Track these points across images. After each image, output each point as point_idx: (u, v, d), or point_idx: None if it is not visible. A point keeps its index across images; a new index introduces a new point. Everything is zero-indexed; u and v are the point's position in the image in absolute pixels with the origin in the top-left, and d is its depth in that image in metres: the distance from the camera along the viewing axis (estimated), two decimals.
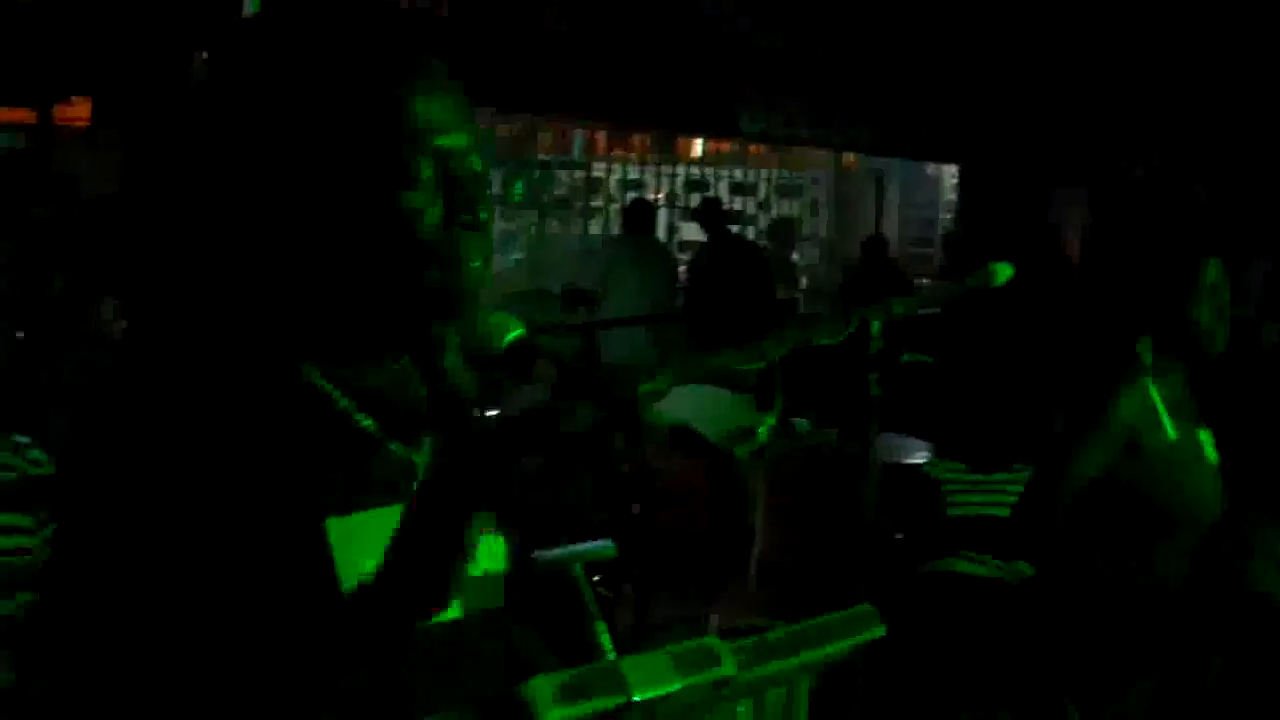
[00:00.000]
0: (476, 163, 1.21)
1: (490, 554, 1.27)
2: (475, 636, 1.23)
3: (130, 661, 1.06)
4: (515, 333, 1.31)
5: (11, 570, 2.55)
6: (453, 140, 1.20)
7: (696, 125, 10.25)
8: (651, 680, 0.95)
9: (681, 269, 8.88)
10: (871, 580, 2.42)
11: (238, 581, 1.09)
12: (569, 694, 0.90)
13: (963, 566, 3.80)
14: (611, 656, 1.76)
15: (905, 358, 5.45)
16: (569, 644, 1.64)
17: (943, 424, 4.29)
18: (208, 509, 1.10)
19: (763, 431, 5.27)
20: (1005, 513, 3.21)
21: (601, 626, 1.87)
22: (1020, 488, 3.03)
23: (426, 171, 1.19)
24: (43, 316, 3.64)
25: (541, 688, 0.91)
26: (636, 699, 0.93)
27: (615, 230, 10.17)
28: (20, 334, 2.70)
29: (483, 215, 1.22)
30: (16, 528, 2.63)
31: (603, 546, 1.95)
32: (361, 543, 1.15)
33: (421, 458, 1.24)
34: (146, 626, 1.06)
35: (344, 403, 1.21)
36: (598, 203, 11.84)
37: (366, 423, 1.22)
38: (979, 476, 4.00)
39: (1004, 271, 2.50)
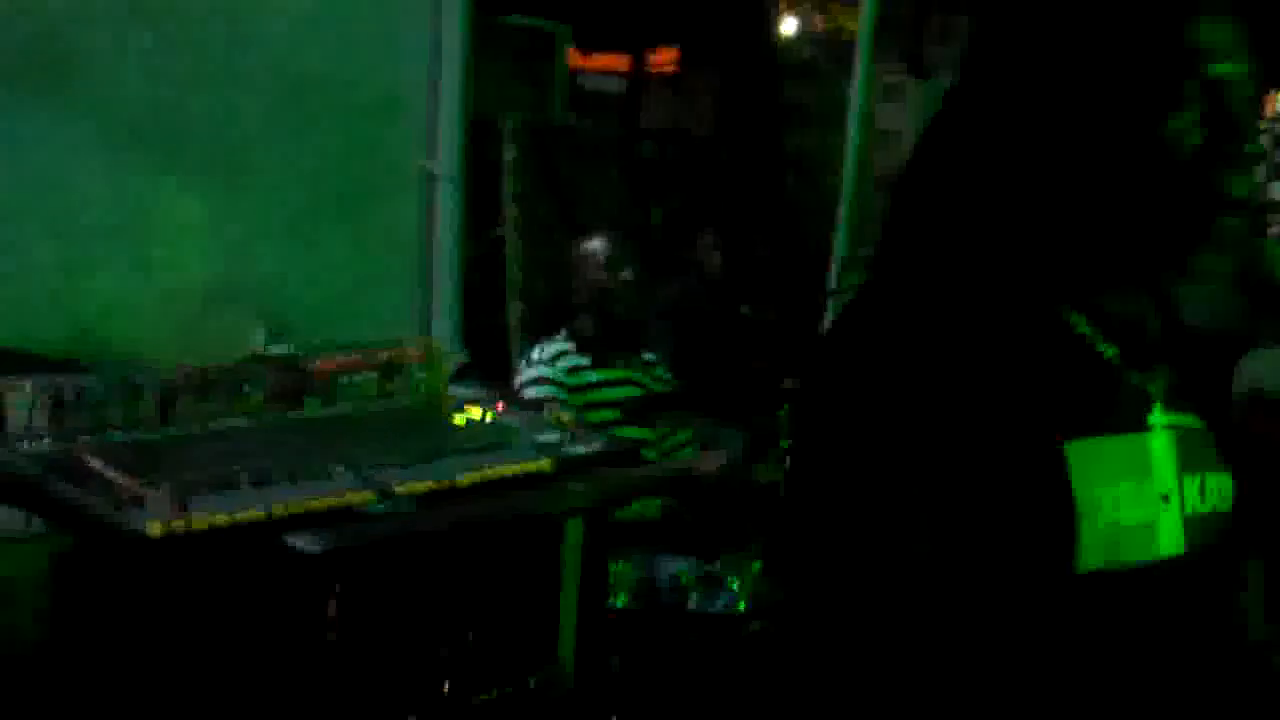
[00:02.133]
0: (1249, 91, 1.17)
1: (1218, 492, 1.24)
2: (1200, 576, 1.21)
3: (864, 582, 1.12)
4: None
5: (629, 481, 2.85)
6: (1228, 68, 1.16)
7: None
8: None
9: None
10: None
11: (974, 501, 1.12)
12: None
13: None
14: None
15: None
16: None
17: None
18: (948, 425, 1.13)
19: None
20: None
21: None
22: None
23: (1194, 96, 1.16)
24: (646, 247, 4.00)
25: None
26: None
27: None
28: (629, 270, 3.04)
29: (1249, 149, 1.17)
30: (640, 441, 2.95)
31: None
32: (1098, 470, 1.15)
33: (1156, 388, 1.23)
34: (882, 547, 1.12)
35: (1085, 329, 1.21)
36: None
37: (1108, 351, 1.21)
38: None
39: None
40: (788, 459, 1.36)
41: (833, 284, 5.14)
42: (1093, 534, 1.15)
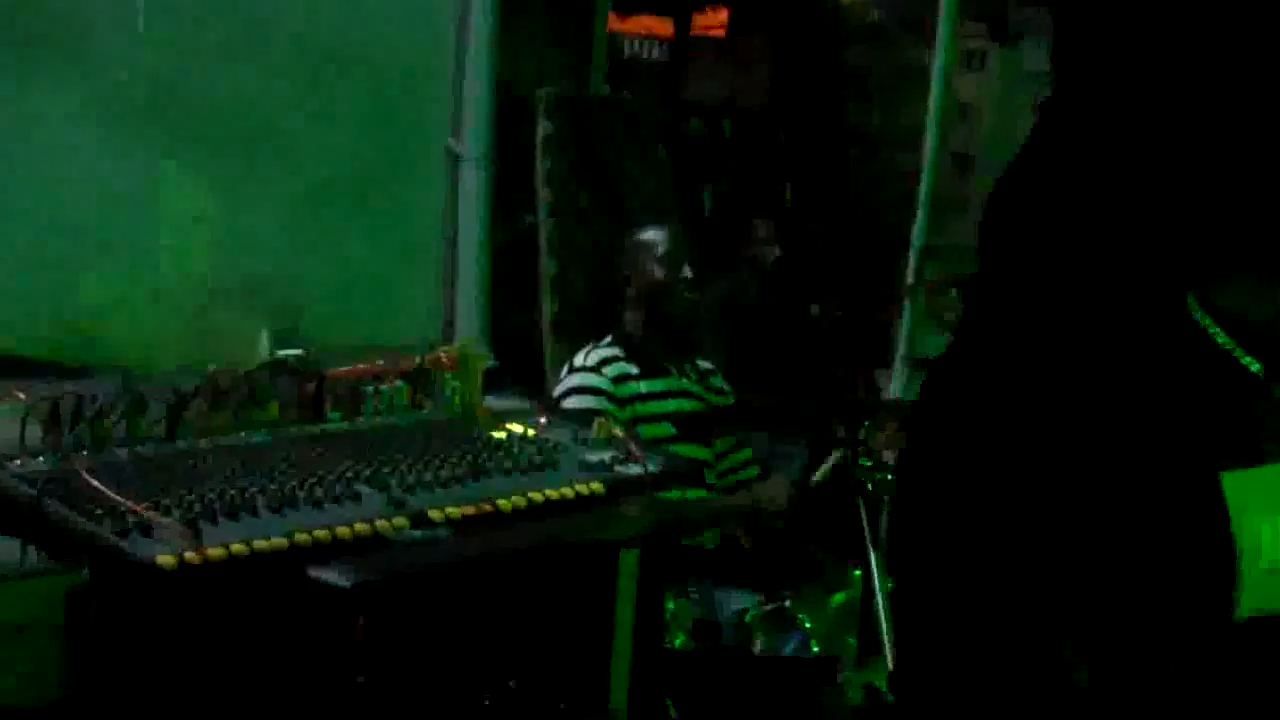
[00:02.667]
0: None
1: None
2: None
3: (986, 599, 1.13)
4: None
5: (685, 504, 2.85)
6: None
7: None
8: None
9: None
10: None
11: (1122, 535, 1.12)
12: None
13: None
14: None
15: None
16: None
17: None
18: (1089, 453, 1.13)
19: None
20: None
21: None
22: None
23: None
24: (695, 236, 4.00)
25: None
26: None
27: None
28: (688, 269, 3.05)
29: None
30: (699, 461, 2.94)
31: None
32: (1258, 500, 1.13)
33: None
34: (1008, 580, 1.12)
35: (1224, 340, 1.20)
36: None
37: (1253, 365, 1.20)
38: None
39: None
40: (899, 496, 1.38)
41: (910, 278, 5.12)
42: (1254, 573, 1.14)
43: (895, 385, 5.34)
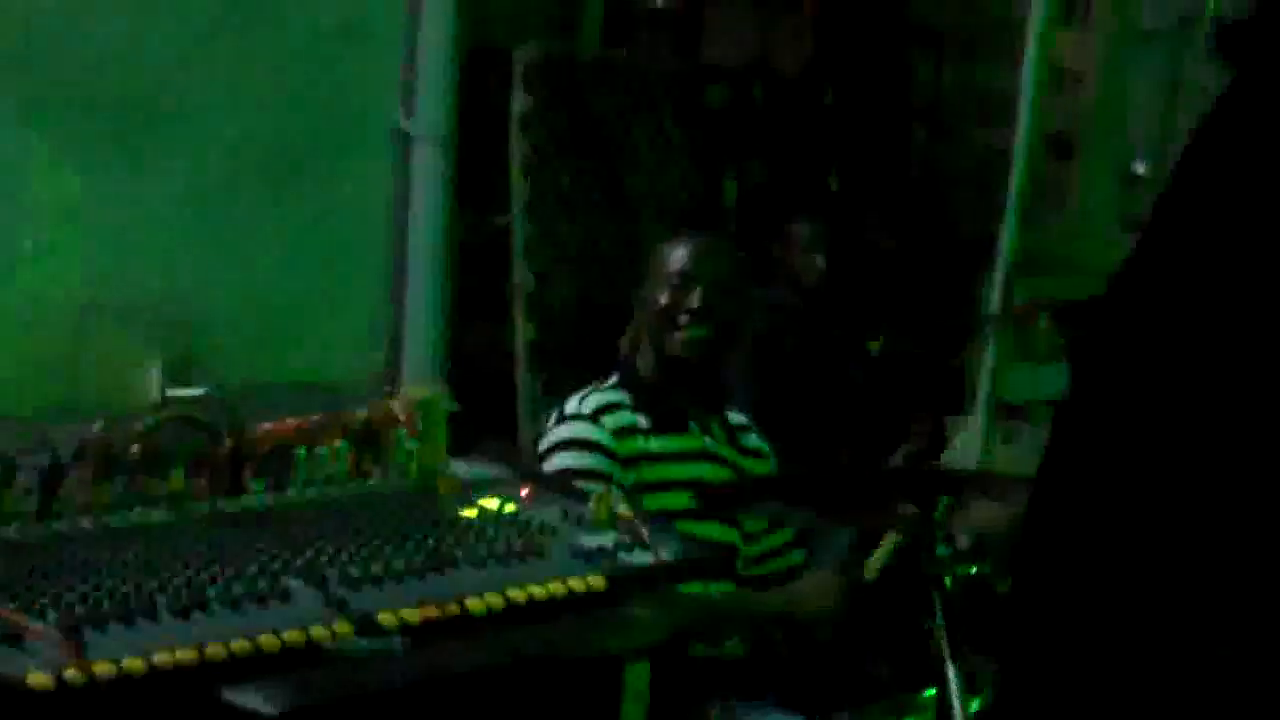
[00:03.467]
0: None
1: None
2: None
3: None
4: None
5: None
6: None
7: None
8: None
9: None
10: None
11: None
12: None
13: None
14: None
15: None
16: None
17: None
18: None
19: None
20: None
21: None
22: None
23: None
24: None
25: None
26: None
27: None
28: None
29: None
30: (726, 545, 2.95)
31: None
32: None
33: None
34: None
35: None
36: None
37: None
38: None
39: None
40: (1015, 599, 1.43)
41: (996, 300, 5.12)
42: None
43: (970, 440, 5.34)
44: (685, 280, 3.07)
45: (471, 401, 3.97)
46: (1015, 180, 5.31)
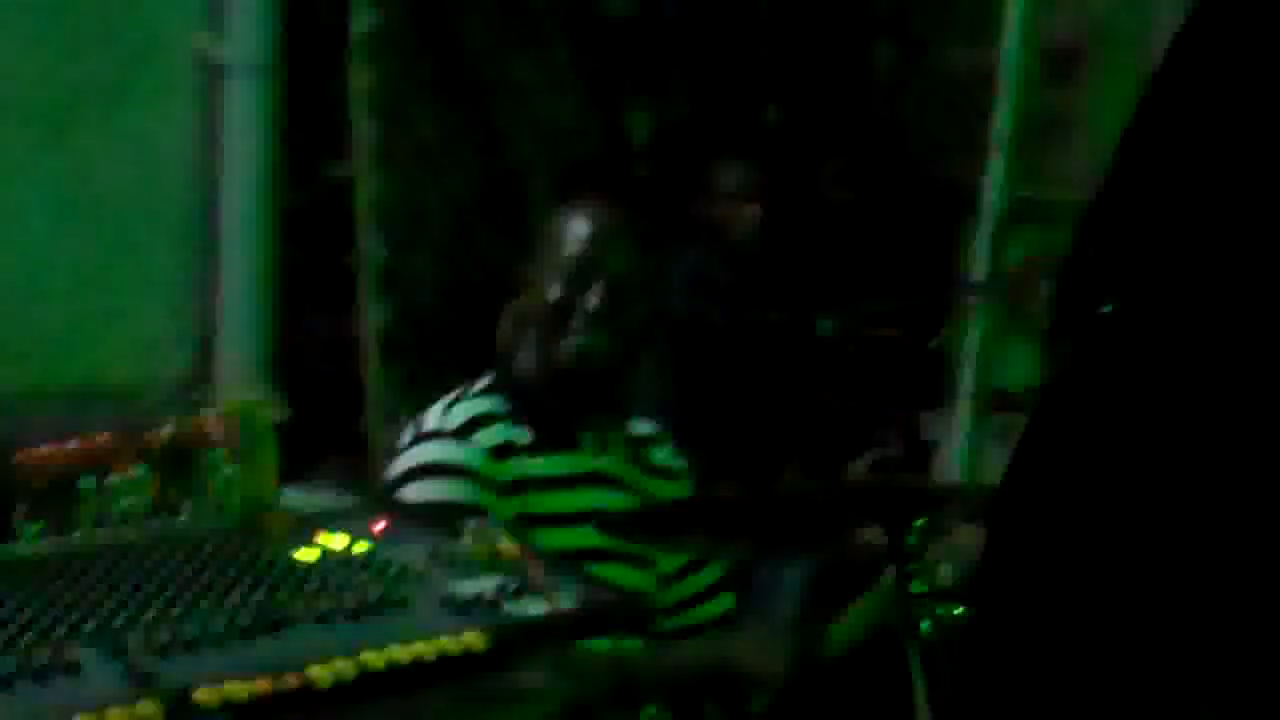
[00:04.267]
0: None
1: None
2: None
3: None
4: None
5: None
6: None
7: None
8: None
9: None
10: None
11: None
12: None
13: None
14: None
15: None
16: None
17: None
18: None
19: None
20: None
21: None
22: None
23: None
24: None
25: None
26: None
27: None
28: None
29: None
30: (636, 591, 2.97)
31: None
32: None
33: None
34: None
35: None
36: None
37: None
38: None
39: None
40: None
41: (981, 262, 5.16)
42: None
43: (953, 440, 5.37)
44: (582, 271, 3.06)
45: (307, 410, 3.99)
46: (1004, 109, 5.35)
